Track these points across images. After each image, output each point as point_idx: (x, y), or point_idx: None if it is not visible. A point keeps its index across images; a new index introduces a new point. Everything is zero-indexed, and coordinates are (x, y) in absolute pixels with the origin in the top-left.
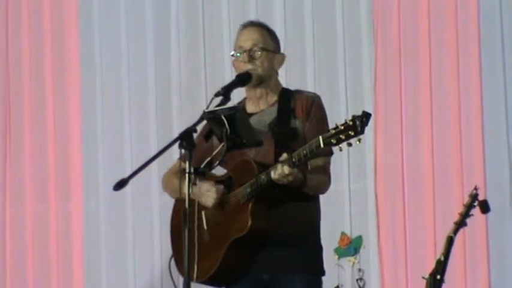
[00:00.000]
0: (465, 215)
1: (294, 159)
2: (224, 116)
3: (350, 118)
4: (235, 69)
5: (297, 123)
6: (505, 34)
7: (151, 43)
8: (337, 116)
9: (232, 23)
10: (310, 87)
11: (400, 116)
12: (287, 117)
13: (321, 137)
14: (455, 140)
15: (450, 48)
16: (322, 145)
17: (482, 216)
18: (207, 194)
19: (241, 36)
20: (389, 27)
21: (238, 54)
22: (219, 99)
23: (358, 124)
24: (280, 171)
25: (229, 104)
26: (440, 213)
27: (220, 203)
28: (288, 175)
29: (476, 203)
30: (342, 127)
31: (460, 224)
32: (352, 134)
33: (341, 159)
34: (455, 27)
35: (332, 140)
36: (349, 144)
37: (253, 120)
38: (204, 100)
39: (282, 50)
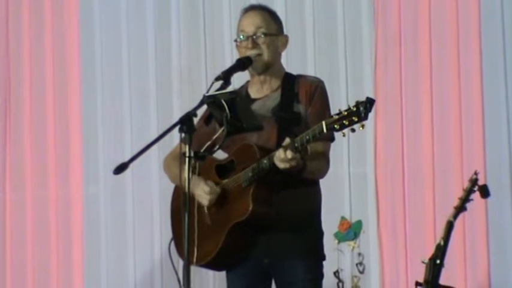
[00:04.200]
0: (465, 199)
1: (296, 144)
2: (224, 101)
3: (354, 104)
4: (239, 54)
5: (300, 108)
6: (505, 17)
7: (152, 28)
8: (337, 101)
9: (233, 8)
10: (310, 72)
11: (400, 101)
12: (290, 102)
13: (324, 123)
14: (456, 125)
15: (450, 32)
16: (325, 130)
17: (482, 200)
18: (202, 194)
19: (244, 21)
20: (390, 12)
21: (241, 38)
22: (219, 83)
23: (361, 110)
24: (283, 156)
25: (230, 88)
26: (440, 197)
27: (222, 188)
28: (290, 160)
29: (476, 188)
30: (346, 113)
31: (460, 208)
32: (356, 120)
33: (341, 143)
34: (455, 12)
35: (335, 126)
36: (353, 130)
37: (256, 106)
38: (204, 85)
39: None
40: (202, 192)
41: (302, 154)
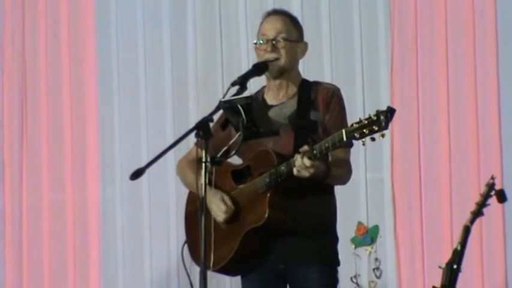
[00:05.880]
0: (482, 204)
1: (315, 152)
2: (241, 106)
3: (374, 113)
4: (257, 57)
5: (316, 115)
6: None
7: (168, 33)
8: (353, 105)
9: (249, 13)
10: (326, 77)
11: (417, 106)
12: (307, 109)
13: (344, 131)
14: (472, 129)
15: (467, 37)
16: (345, 139)
17: (499, 205)
18: (217, 211)
19: (265, 25)
20: (406, 18)
21: (261, 42)
22: (235, 88)
23: (382, 119)
24: (300, 163)
25: (246, 93)
26: (457, 202)
27: (237, 192)
28: (308, 167)
29: (493, 193)
30: (366, 121)
31: (477, 213)
32: (376, 129)
33: (358, 149)
34: (472, 16)
35: (355, 134)
36: (373, 139)
37: (273, 112)
38: (220, 90)
39: None
40: (218, 211)
41: (325, 161)
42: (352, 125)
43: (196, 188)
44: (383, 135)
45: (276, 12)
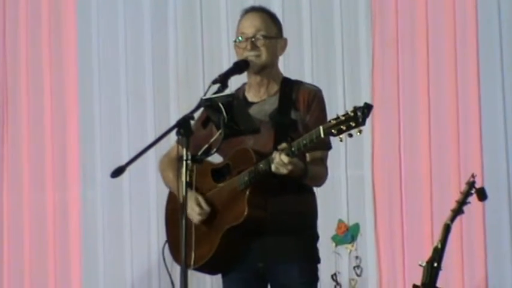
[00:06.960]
0: (462, 202)
1: (293, 149)
2: (222, 104)
3: (351, 109)
4: (237, 55)
5: (297, 115)
6: (502, 20)
7: (149, 31)
8: (334, 104)
9: (230, 11)
10: (307, 75)
11: (398, 104)
12: (288, 108)
13: (321, 127)
14: (453, 127)
15: (448, 36)
16: (322, 135)
17: (480, 203)
18: (192, 213)
19: (244, 22)
20: (387, 15)
21: (239, 39)
22: (216, 86)
23: (359, 115)
24: (277, 160)
25: (227, 91)
26: (438, 200)
27: (216, 191)
28: (286, 164)
29: (473, 191)
30: (343, 117)
31: (457, 211)
32: (353, 125)
33: (338, 146)
34: (452, 15)
35: (333, 130)
36: (350, 135)
37: (253, 110)
38: (201, 88)
39: None
40: (193, 212)
41: (303, 159)
42: (329, 121)
43: (176, 188)
44: (360, 131)
45: (254, 9)
